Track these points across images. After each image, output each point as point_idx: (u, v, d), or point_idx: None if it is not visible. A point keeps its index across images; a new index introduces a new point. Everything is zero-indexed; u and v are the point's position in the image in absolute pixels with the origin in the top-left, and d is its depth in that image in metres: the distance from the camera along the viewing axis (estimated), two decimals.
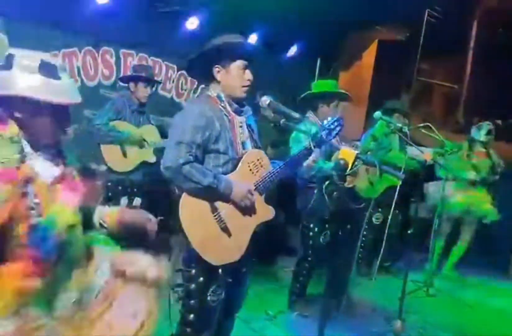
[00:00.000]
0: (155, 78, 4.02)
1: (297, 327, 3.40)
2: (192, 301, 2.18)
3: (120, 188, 3.67)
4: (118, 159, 3.66)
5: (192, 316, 2.19)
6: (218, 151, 2.17)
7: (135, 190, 3.74)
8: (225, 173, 2.17)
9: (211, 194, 2.10)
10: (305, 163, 2.70)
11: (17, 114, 1.41)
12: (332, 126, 2.37)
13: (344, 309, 3.58)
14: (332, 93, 3.44)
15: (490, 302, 4.26)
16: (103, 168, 3.77)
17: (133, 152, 3.71)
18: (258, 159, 2.25)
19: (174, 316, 2.22)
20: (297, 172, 3.19)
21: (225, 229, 2.15)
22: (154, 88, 3.98)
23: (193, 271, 2.17)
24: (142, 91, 3.74)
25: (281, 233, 4.99)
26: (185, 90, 5.50)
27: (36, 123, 1.44)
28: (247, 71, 2.20)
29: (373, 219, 4.45)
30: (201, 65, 2.22)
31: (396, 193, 3.93)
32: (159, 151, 3.74)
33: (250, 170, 2.23)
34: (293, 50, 6.10)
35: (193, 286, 2.17)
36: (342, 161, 1.99)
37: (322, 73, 6.67)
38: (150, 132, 3.81)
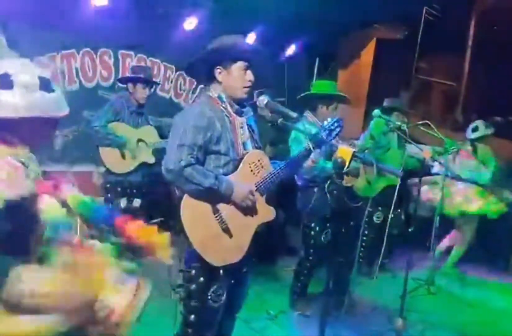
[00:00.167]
0: (154, 79, 4.02)
1: (298, 326, 3.40)
2: (193, 302, 2.18)
3: (119, 189, 3.67)
4: (116, 161, 3.66)
5: (193, 316, 2.19)
6: (219, 152, 2.17)
7: (134, 191, 3.74)
8: (226, 174, 2.17)
9: (212, 195, 2.10)
10: (305, 164, 2.71)
11: (17, 133, 1.42)
12: (332, 127, 2.39)
13: (345, 308, 3.58)
14: (331, 95, 3.43)
15: (492, 301, 4.25)
16: (102, 169, 3.77)
17: (132, 154, 3.70)
18: (259, 160, 2.25)
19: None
20: (298, 172, 3.19)
21: (226, 230, 2.15)
22: (152, 89, 3.98)
23: (194, 271, 2.17)
24: (141, 92, 3.74)
25: (282, 232, 4.99)
26: (184, 90, 5.50)
27: (29, 137, 1.45)
28: (248, 72, 2.20)
29: (374, 218, 4.45)
30: (202, 66, 2.22)
31: (396, 192, 3.93)
32: (158, 152, 3.74)
33: (251, 170, 2.23)
34: (291, 50, 6.09)
35: (193, 286, 2.17)
36: (339, 160, 1.99)
37: (321, 73, 6.67)
38: (148, 133, 3.81)
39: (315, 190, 3.37)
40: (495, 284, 4.74)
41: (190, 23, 4.97)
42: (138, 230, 1.74)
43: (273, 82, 5.00)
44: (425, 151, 4.13)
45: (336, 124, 2.41)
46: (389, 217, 4.15)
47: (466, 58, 7.32)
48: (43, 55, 4.25)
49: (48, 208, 1.46)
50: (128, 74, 4.28)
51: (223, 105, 2.21)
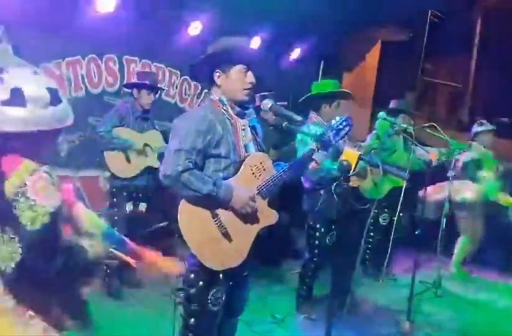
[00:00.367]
0: (159, 85, 4.04)
1: (304, 330, 3.40)
2: (192, 305, 2.17)
3: (125, 193, 3.69)
4: (122, 166, 3.68)
5: (193, 320, 2.18)
6: (219, 156, 2.15)
7: (140, 195, 3.76)
8: (227, 177, 2.15)
9: (211, 201, 2.08)
10: (310, 166, 2.69)
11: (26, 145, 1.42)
12: (340, 127, 2.32)
13: (351, 310, 3.57)
14: (333, 93, 3.44)
15: (499, 303, 4.22)
16: (107, 174, 3.79)
17: (137, 158, 3.72)
18: (261, 163, 2.22)
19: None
20: (303, 175, 3.18)
21: (226, 234, 2.13)
22: (157, 95, 4.00)
23: (193, 275, 2.16)
24: (146, 98, 3.76)
25: (287, 235, 4.98)
26: (189, 95, 5.53)
27: (35, 149, 1.45)
28: (249, 73, 2.19)
29: (380, 220, 4.43)
30: (202, 70, 2.22)
31: (402, 194, 3.91)
32: (163, 157, 3.75)
33: (253, 173, 2.19)
34: (296, 53, 6.10)
35: (193, 290, 2.16)
36: (345, 163, 1.99)
37: (326, 75, 6.67)
38: (154, 138, 3.83)
39: (322, 192, 3.37)
40: (502, 285, 4.70)
41: (195, 28, 4.99)
42: (156, 261, 1.75)
43: (277, 85, 4.99)
44: (431, 154, 4.12)
45: (344, 124, 2.33)
46: (395, 219, 4.14)
47: (472, 59, 7.30)
48: (49, 62, 4.28)
49: (87, 216, 1.54)
50: (133, 79, 4.31)
51: (224, 108, 2.20)
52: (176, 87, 5.39)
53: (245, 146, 2.23)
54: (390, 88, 6.40)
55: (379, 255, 4.32)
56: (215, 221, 2.12)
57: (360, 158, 2.09)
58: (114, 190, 3.72)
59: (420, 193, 4.22)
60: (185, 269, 2.18)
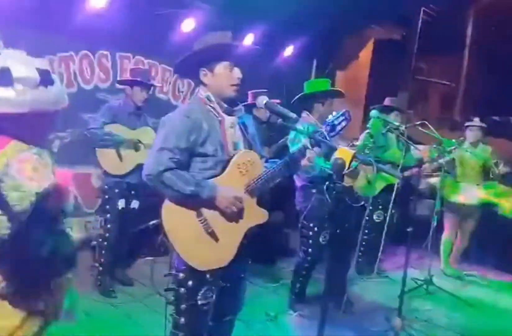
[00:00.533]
0: (152, 81, 4.02)
1: (297, 327, 3.40)
2: (182, 305, 2.15)
3: (117, 190, 3.66)
4: (114, 163, 3.66)
5: (183, 319, 2.16)
6: (206, 154, 2.11)
7: (132, 192, 3.74)
8: (214, 176, 2.12)
9: (195, 200, 2.05)
10: (302, 163, 2.66)
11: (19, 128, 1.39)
12: (336, 122, 2.22)
13: (347, 309, 3.58)
14: (325, 92, 3.44)
15: (491, 300, 4.25)
16: (99, 171, 3.77)
17: (129, 155, 3.70)
18: (249, 161, 2.17)
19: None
20: (295, 172, 3.17)
21: (212, 234, 2.10)
22: (150, 92, 3.98)
23: (182, 274, 2.14)
24: (138, 95, 3.74)
25: (280, 233, 4.99)
26: (182, 92, 5.50)
27: (29, 132, 1.42)
28: (235, 69, 2.16)
29: (374, 217, 4.45)
30: (189, 68, 2.19)
31: (394, 192, 3.94)
32: None
33: (240, 171, 2.14)
34: (289, 51, 6.09)
35: (182, 290, 2.14)
36: (339, 161, 1.97)
37: (319, 74, 6.67)
38: (146, 135, 3.81)
39: (314, 190, 3.38)
40: (494, 282, 4.74)
41: (188, 25, 4.97)
42: None
43: (270, 83, 4.98)
44: (423, 151, 4.15)
45: (341, 118, 2.23)
46: (387, 216, 4.17)
47: (464, 58, 7.34)
48: (41, 57, 4.24)
49: None
50: (126, 76, 4.29)
51: (211, 105, 2.16)
52: (170, 84, 5.37)
53: (234, 144, 2.19)
54: (383, 86, 6.42)
55: (372, 252, 4.35)
56: (200, 220, 2.09)
57: (354, 156, 2.08)
58: (106, 187, 3.70)
59: (414, 171, 4.27)
60: (175, 268, 2.17)
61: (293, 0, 4.75)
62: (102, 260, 3.74)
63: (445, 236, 4.83)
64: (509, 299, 4.31)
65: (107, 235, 3.70)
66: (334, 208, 2.77)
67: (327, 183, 3.24)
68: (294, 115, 2.17)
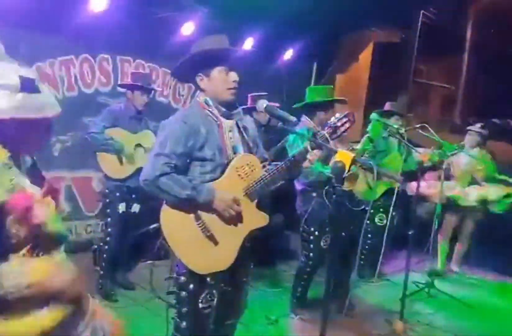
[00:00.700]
0: (152, 85, 4.02)
1: (299, 331, 3.40)
2: (184, 308, 2.15)
3: (117, 194, 3.66)
4: (114, 167, 3.66)
5: (184, 323, 2.16)
6: (205, 159, 2.11)
7: (133, 196, 3.74)
8: (213, 179, 2.12)
9: (192, 204, 2.06)
10: (304, 165, 2.64)
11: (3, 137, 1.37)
12: (338, 124, 2.19)
13: (349, 313, 3.57)
14: (328, 101, 3.42)
15: (492, 303, 4.24)
16: (100, 175, 3.77)
17: (130, 159, 3.70)
18: (248, 164, 2.16)
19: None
20: (295, 176, 3.16)
21: (211, 237, 2.10)
22: (151, 95, 3.98)
23: (183, 278, 2.14)
24: (139, 100, 3.74)
25: (282, 236, 4.99)
26: (183, 95, 5.51)
27: (16, 141, 1.40)
28: (231, 73, 2.15)
29: (376, 220, 4.44)
30: (185, 73, 2.21)
31: (395, 195, 3.93)
32: None
33: (239, 175, 2.14)
34: (288, 54, 6.10)
35: (183, 293, 2.14)
36: (339, 164, 1.96)
37: (319, 77, 6.68)
38: (147, 138, 3.81)
39: (314, 194, 3.37)
40: (495, 285, 4.74)
41: (188, 28, 4.98)
42: None
43: (269, 86, 4.98)
44: (423, 154, 4.15)
45: (344, 120, 2.19)
46: (388, 219, 4.17)
47: (464, 61, 7.34)
48: (42, 61, 4.26)
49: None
50: (127, 79, 4.30)
51: (209, 109, 2.16)
52: (170, 87, 5.38)
53: (233, 148, 2.19)
54: (383, 89, 6.42)
55: (373, 255, 4.35)
56: (199, 224, 2.09)
57: (354, 160, 2.07)
58: (107, 190, 3.70)
59: (413, 186, 4.28)
60: (176, 271, 2.17)
61: (293, 3, 4.76)
62: (103, 263, 3.74)
63: (441, 237, 4.85)
64: (510, 301, 4.30)
65: (108, 238, 3.70)
66: (334, 211, 2.77)
67: (326, 186, 3.23)
68: (294, 118, 2.16)
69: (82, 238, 4.52)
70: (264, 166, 2.25)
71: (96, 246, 3.79)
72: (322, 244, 3.37)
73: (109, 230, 3.70)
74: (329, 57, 6.58)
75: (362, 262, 4.47)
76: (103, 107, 3.93)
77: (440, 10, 6.40)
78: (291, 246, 4.92)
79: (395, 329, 3.30)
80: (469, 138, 4.80)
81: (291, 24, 5.07)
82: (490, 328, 3.66)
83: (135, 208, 3.77)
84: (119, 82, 4.61)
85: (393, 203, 3.98)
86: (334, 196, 3.16)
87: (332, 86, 3.62)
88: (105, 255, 3.72)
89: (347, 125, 2.21)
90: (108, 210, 3.70)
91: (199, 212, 2.09)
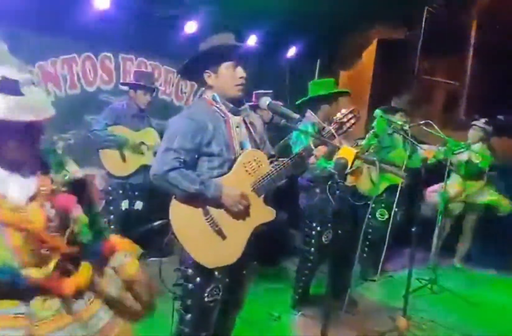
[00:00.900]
0: (155, 84, 4.03)
1: (301, 327, 3.40)
2: (189, 301, 2.19)
3: (120, 191, 3.69)
4: (117, 164, 3.68)
5: (189, 316, 2.19)
6: (212, 154, 2.14)
7: (136, 193, 3.75)
8: (221, 175, 2.15)
9: (201, 199, 2.09)
10: (310, 161, 2.63)
11: None
12: (344, 119, 2.22)
13: (348, 308, 3.57)
14: (332, 94, 3.41)
15: (495, 300, 4.22)
16: (102, 172, 3.78)
17: (132, 157, 3.71)
18: (255, 160, 2.19)
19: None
20: (303, 171, 3.16)
21: (219, 232, 2.13)
22: (154, 94, 3.98)
23: (190, 271, 2.17)
24: (142, 98, 3.76)
25: (284, 232, 4.98)
26: (185, 93, 5.52)
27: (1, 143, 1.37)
28: (238, 68, 2.17)
29: (377, 215, 4.41)
30: (193, 71, 2.22)
31: (398, 192, 3.92)
32: None
33: (247, 170, 2.17)
34: (292, 51, 6.09)
35: (190, 285, 2.18)
36: (342, 160, 1.96)
37: (322, 74, 6.66)
38: (149, 136, 3.83)
39: (317, 190, 3.37)
40: (499, 282, 4.72)
41: (191, 26, 4.97)
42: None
43: (273, 84, 4.98)
44: (427, 151, 4.14)
45: (350, 116, 2.21)
46: (391, 215, 4.15)
47: (468, 57, 7.30)
48: (44, 60, 4.27)
49: None
50: (129, 78, 4.30)
51: (217, 106, 2.19)
52: (173, 85, 5.38)
53: (241, 144, 2.21)
54: (386, 86, 6.40)
55: (376, 251, 4.33)
56: (207, 218, 2.12)
57: (357, 155, 2.07)
58: (109, 188, 3.72)
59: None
60: (184, 264, 2.19)
61: (296, 1, 4.75)
62: None
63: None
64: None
65: None
66: (337, 207, 2.78)
67: (329, 182, 3.23)
68: (297, 116, 2.17)
69: None
70: (271, 162, 2.27)
71: None
72: (323, 239, 3.37)
73: (112, 227, 3.72)
74: (332, 54, 6.56)
75: (363, 258, 4.46)
76: (105, 105, 3.94)
77: (444, 6, 6.37)
78: (294, 243, 4.91)
79: (398, 326, 3.29)
80: (472, 133, 4.76)
81: (294, 21, 5.06)
82: (493, 324, 3.64)
83: (138, 205, 3.78)
84: (121, 81, 4.63)
85: (396, 199, 3.97)
86: (337, 192, 3.19)
87: (333, 79, 3.60)
88: None
89: (352, 121, 2.23)
90: (111, 207, 3.72)
91: (208, 207, 2.12)
